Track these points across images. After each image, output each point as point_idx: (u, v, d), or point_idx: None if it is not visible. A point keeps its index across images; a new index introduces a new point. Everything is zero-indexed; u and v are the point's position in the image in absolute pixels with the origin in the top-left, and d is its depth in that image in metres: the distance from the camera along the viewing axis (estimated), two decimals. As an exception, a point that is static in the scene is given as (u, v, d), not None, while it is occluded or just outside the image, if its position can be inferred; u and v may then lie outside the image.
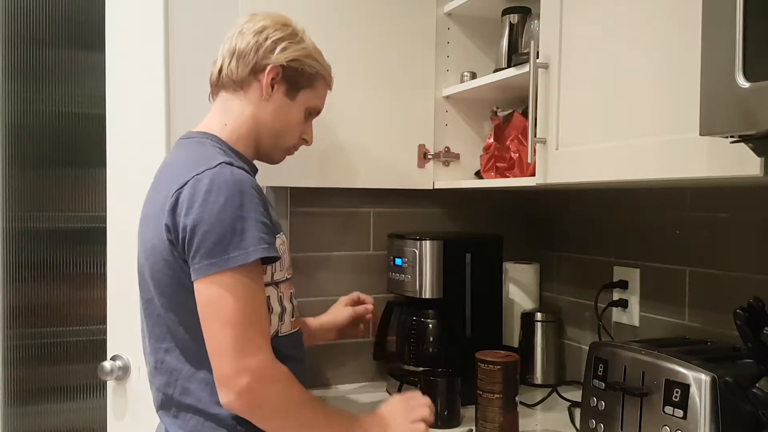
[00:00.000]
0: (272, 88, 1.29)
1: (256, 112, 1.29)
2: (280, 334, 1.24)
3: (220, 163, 1.14)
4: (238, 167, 1.16)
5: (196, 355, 1.15)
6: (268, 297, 1.21)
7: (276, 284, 1.25)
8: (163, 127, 1.64)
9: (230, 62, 1.28)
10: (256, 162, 1.36)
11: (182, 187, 1.13)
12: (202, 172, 1.13)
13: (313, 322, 1.62)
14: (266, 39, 1.27)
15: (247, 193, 1.13)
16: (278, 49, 1.27)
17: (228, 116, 1.29)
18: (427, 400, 1.34)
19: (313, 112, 1.38)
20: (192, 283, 1.12)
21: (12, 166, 2.00)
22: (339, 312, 1.65)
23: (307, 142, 1.40)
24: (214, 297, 1.11)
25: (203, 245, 1.10)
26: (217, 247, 1.09)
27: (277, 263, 1.23)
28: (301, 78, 1.31)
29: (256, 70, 1.28)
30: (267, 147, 1.34)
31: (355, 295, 1.68)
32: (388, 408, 1.31)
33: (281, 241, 1.26)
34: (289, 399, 1.16)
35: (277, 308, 1.24)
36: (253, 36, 1.28)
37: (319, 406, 1.23)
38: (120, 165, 1.65)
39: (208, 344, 1.12)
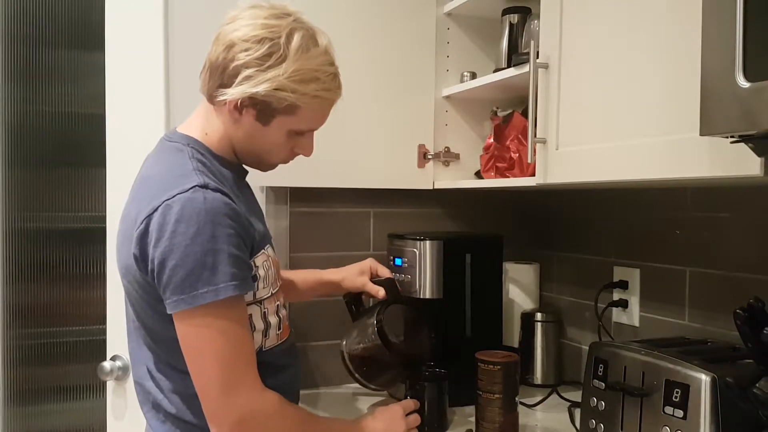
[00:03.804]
0: (240, 112, 1.14)
1: (228, 131, 1.18)
2: (264, 349, 1.20)
3: (193, 187, 1.06)
4: (214, 189, 1.07)
5: (177, 373, 1.13)
6: (250, 315, 1.16)
7: (259, 302, 1.19)
8: (163, 127, 1.64)
9: (206, 71, 1.17)
10: None
11: (152, 213, 1.05)
12: (174, 196, 1.05)
13: (313, 275, 1.55)
14: (232, 60, 1.10)
15: (220, 222, 1.05)
16: (240, 77, 1.10)
17: (207, 126, 1.19)
18: (417, 417, 1.35)
19: (304, 131, 1.21)
20: (164, 309, 1.08)
21: (12, 166, 2.00)
22: (351, 279, 1.53)
23: (304, 155, 1.27)
24: (193, 335, 1.07)
25: (172, 280, 1.04)
26: (186, 283, 1.03)
27: (260, 281, 1.16)
28: (271, 107, 1.13)
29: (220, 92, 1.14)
30: (249, 163, 1.25)
31: (372, 267, 1.55)
32: (384, 416, 1.31)
33: (265, 257, 1.19)
34: (280, 427, 1.14)
35: (260, 325, 1.19)
36: (222, 49, 1.12)
37: (312, 424, 1.22)
38: (120, 165, 1.65)
39: (194, 379, 1.08)
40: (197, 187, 1.06)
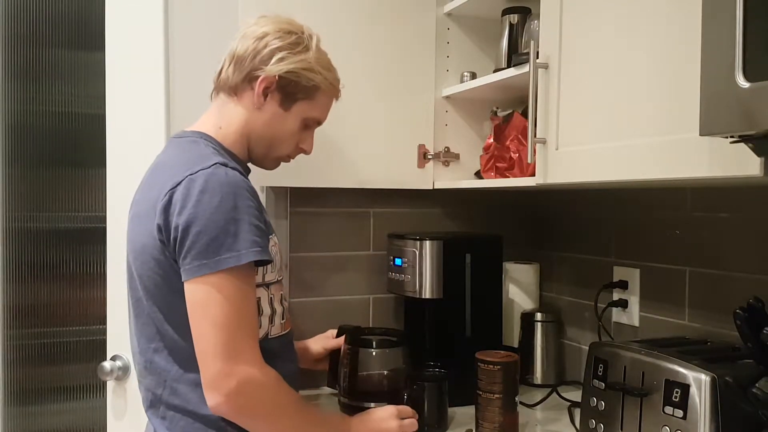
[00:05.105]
0: (265, 97, 1.25)
1: (248, 119, 1.27)
2: (270, 336, 1.23)
3: (215, 164, 1.13)
4: (233, 168, 1.15)
5: (185, 356, 1.15)
6: (259, 298, 1.20)
7: (267, 286, 1.24)
8: (163, 127, 1.64)
9: (229, 66, 1.26)
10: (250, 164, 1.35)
11: (176, 186, 1.11)
12: (197, 171, 1.12)
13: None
14: (265, 47, 1.24)
15: (241, 195, 1.12)
16: (274, 59, 1.23)
17: (222, 119, 1.28)
18: (413, 422, 1.35)
19: (312, 123, 1.34)
20: (181, 284, 1.11)
21: (12, 166, 2.00)
22: (315, 342, 1.61)
23: (305, 152, 1.37)
24: (204, 299, 1.10)
25: (195, 246, 1.09)
26: (210, 248, 1.08)
27: (269, 264, 1.21)
28: (296, 89, 1.27)
29: (250, 78, 1.25)
30: (258, 155, 1.32)
31: (331, 332, 1.63)
32: (378, 415, 1.32)
33: (273, 243, 1.25)
34: (277, 403, 1.15)
35: (267, 310, 1.23)
36: (252, 41, 1.25)
37: (307, 410, 1.23)
38: (120, 165, 1.66)
39: (197, 346, 1.11)
40: (218, 164, 1.14)
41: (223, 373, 1.08)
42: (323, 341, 1.61)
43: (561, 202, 1.91)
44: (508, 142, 1.65)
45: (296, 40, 1.26)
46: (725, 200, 1.39)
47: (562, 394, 1.66)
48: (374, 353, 1.54)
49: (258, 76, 1.24)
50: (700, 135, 0.84)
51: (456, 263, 1.65)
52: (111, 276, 1.67)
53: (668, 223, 1.53)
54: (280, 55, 1.24)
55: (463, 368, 1.47)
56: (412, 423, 1.35)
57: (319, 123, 1.35)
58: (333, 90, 1.34)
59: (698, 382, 1.11)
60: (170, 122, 1.64)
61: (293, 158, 1.37)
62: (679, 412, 1.13)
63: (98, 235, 1.72)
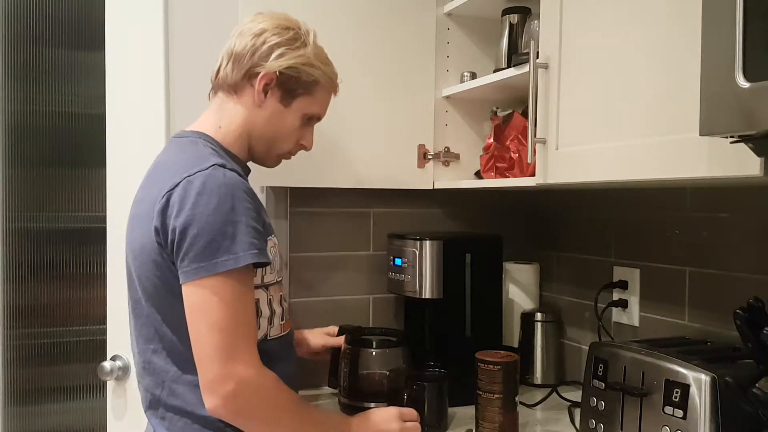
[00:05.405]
0: (265, 94, 1.25)
1: (249, 117, 1.27)
2: (269, 338, 1.23)
3: (213, 165, 1.12)
4: (231, 169, 1.15)
5: (183, 357, 1.14)
6: (257, 300, 1.19)
7: (266, 287, 1.23)
8: (163, 127, 1.64)
9: (227, 64, 1.26)
10: (250, 163, 1.35)
11: (173, 188, 1.11)
12: (194, 173, 1.11)
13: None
14: (263, 43, 1.24)
15: (239, 196, 1.11)
16: (274, 55, 1.23)
17: (223, 118, 1.27)
18: (416, 426, 1.34)
19: (312, 119, 1.33)
20: (179, 286, 1.11)
21: (12, 166, 2.00)
22: (314, 336, 1.61)
23: (306, 148, 1.36)
24: (202, 301, 1.09)
25: (192, 248, 1.08)
26: (207, 251, 1.08)
27: (268, 266, 1.21)
28: (297, 85, 1.27)
29: (250, 75, 1.24)
30: (260, 152, 1.31)
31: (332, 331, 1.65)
32: (379, 416, 1.32)
33: (272, 244, 1.24)
34: (275, 405, 1.15)
35: (266, 311, 1.23)
36: (251, 38, 1.24)
37: (306, 411, 1.23)
38: (120, 165, 1.66)
39: (195, 348, 1.10)
40: (216, 166, 1.13)
41: (220, 376, 1.08)
42: (324, 338, 1.61)
43: (561, 202, 1.91)
44: (508, 142, 1.65)
45: (294, 35, 1.26)
46: (725, 200, 1.39)
47: (562, 394, 1.66)
48: (374, 353, 1.55)
49: (258, 73, 1.24)
50: (700, 135, 0.84)
51: (456, 263, 1.65)
52: (111, 276, 1.67)
53: (668, 223, 1.53)
54: (279, 51, 1.23)
55: (463, 368, 1.47)
56: (415, 426, 1.33)
57: (318, 118, 1.35)
58: (332, 84, 1.34)
59: (698, 382, 1.11)
60: (170, 122, 1.64)
61: (294, 155, 1.37)
62: (679, 412, 1.13)
63: (98, 235, 1.72)
